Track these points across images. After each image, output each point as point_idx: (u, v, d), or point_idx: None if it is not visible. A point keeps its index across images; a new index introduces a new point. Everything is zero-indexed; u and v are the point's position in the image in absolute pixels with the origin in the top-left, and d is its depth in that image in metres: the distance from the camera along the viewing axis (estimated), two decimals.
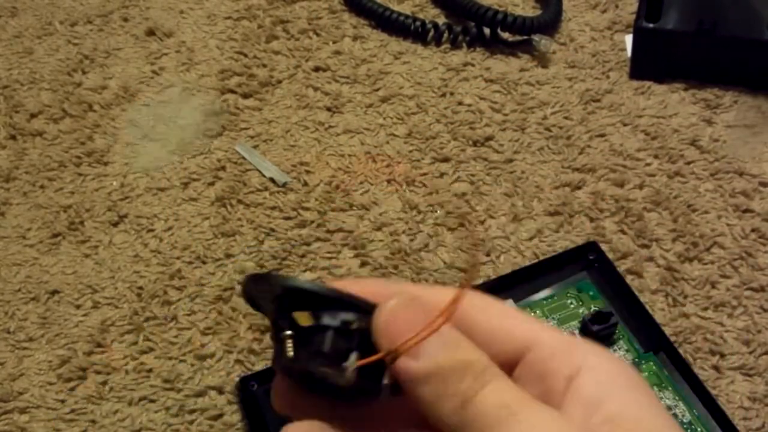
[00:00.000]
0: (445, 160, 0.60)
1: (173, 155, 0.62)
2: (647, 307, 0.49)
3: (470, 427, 0.22)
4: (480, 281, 0.52)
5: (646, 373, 0.47)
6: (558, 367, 0.24)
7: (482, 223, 0.56)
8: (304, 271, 0.54)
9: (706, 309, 0.51)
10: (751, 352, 0.49)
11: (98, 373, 0.50)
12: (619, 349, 0.48)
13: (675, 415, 0.45)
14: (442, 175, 0.59)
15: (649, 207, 0.56)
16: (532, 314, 0.49)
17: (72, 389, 0.50)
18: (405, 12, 0.70)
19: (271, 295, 0.26)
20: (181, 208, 0.58)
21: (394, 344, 0.23)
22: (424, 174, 0.59)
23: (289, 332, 0.25)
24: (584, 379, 0.24)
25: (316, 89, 0.65)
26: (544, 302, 0.50)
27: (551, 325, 0.25)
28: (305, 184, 0.59)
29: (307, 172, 0.60)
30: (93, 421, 0.48)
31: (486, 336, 0.25)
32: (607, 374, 0.24)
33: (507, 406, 0.22)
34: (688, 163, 0.59)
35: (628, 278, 0.52)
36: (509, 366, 0.25)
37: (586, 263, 0.52)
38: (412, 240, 0.55)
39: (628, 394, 0.24)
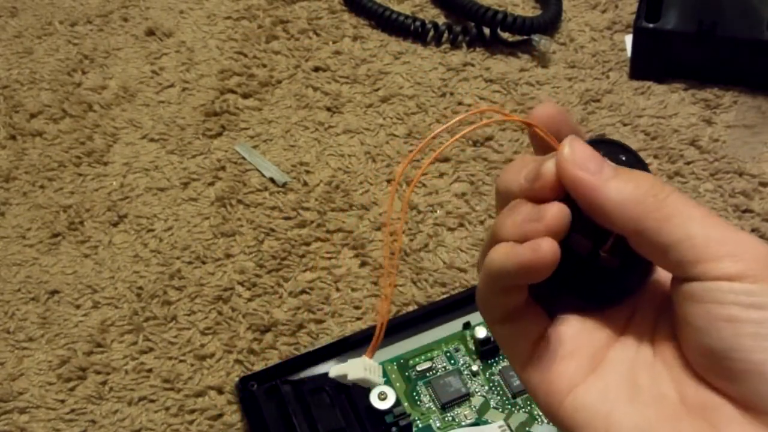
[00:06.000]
0: (445, 160, 0.60)
1: (173, 155, 0.62)
2: None
3: (668, 224, 0.25)
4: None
5: None
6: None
7: (482, 223, 0.56)
8: (304, 271, 0.54)
9: None
10: None
11: (98, 373, 0.50)
12: None
13: None
14: (442, 175, 0.59)
15: None
16: None
17: (72, 389, 0.50)
18: (405, 12, 0.70)
19: None
20: (181, 208, 0.58)
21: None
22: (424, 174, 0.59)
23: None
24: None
25: (316, 89, 0.65)
26: None
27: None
28: (305, 184, 0.59)
29: (307, 172, 0.60)
30: (93, 421, 0.48)
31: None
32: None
33: (693, 208, 0.25)
34: (688, 163, 0.59)
35: None
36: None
37: None
38: (412, 240, 0.55)
39: None
